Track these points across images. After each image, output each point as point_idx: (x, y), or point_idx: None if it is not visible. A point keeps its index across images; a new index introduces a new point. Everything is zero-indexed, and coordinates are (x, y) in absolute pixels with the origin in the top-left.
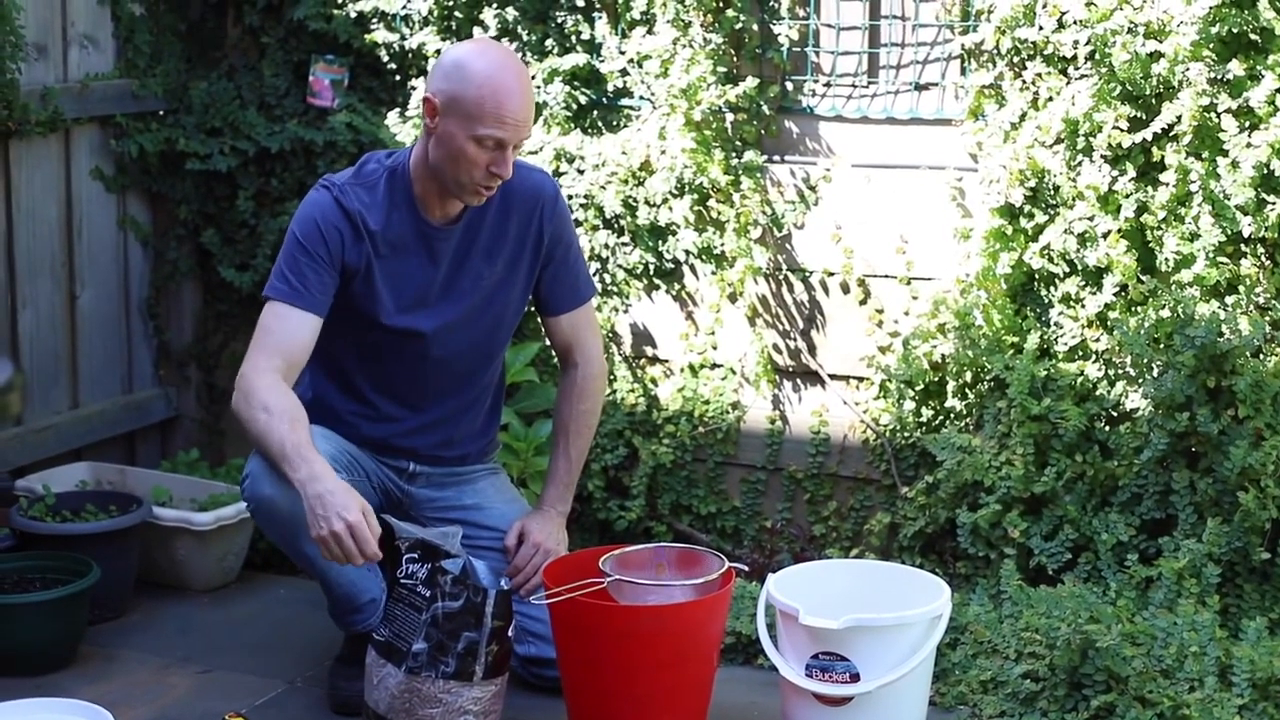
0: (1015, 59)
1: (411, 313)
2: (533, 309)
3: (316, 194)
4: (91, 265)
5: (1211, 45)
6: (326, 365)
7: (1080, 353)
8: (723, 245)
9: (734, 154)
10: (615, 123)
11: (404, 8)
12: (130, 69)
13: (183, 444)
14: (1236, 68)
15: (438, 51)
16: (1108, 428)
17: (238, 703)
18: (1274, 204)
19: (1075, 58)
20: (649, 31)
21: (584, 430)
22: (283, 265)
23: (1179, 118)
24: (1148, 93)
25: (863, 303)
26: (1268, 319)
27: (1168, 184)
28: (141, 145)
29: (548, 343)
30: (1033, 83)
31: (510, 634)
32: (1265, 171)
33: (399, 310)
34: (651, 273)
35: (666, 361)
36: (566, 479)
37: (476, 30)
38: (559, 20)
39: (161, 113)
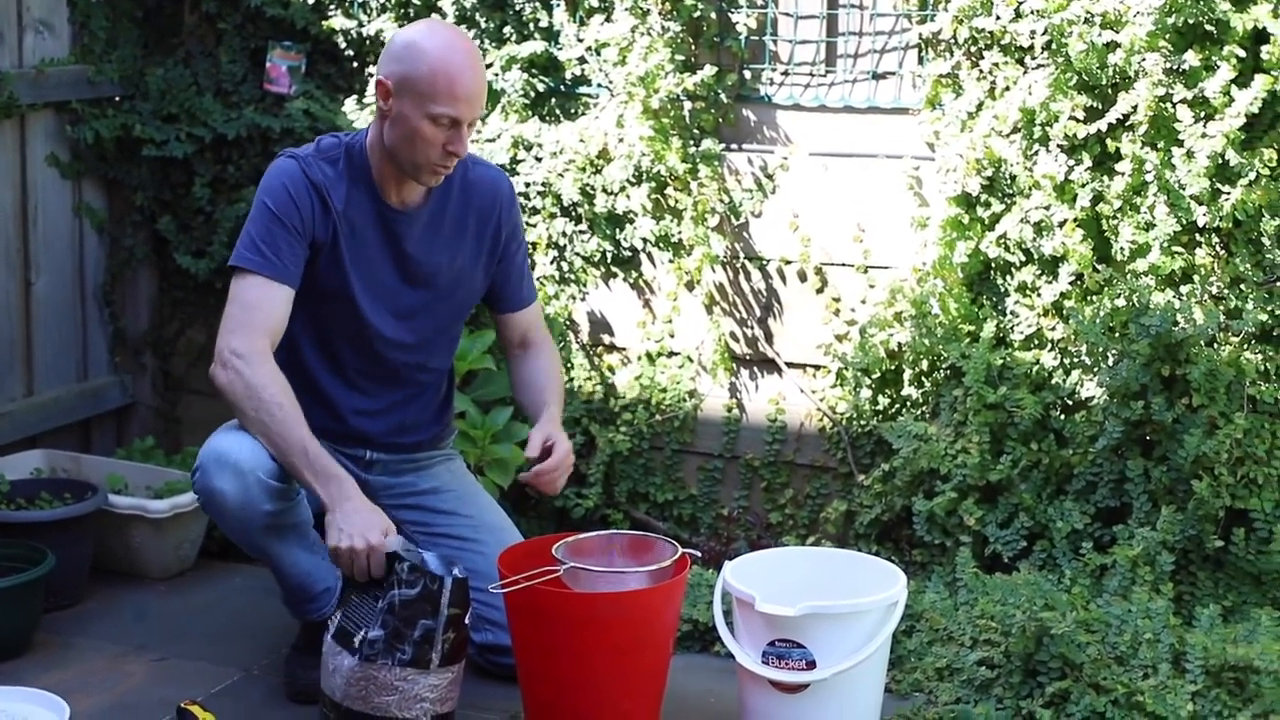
0: (973, 48)
1: (371, 295)
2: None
3: (284, 163)
4: (47, 252)
5: (1167, 36)
6: (282, 349)
7: (1036, 341)
8: (680, 233)
9: (692, 142)
10: (573, 110)
11: None
12: (86, 55)
13: (138, 431)
14: (1192, 58)
15: None
16: (1063, 416)
17: (194, 690)
18: (1228, 194)
19: (1032, 47)
20: (607, 19)
21: (557, 379)
22: (254, 234)
23: (1135, 108)
24: (1104, 83)
25: (820, 291)
26: (1222, 308)
27: (1123, 174)
28: (97, 131)
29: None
30: (990, 72)
31: (467, 621)
32: (1220, 162)
33: (362, 292)
34: (609, 261)
35: (624, 349)
36: (559, 407)
37: (434, 16)
38: (517, 7)
39: (117, 99)
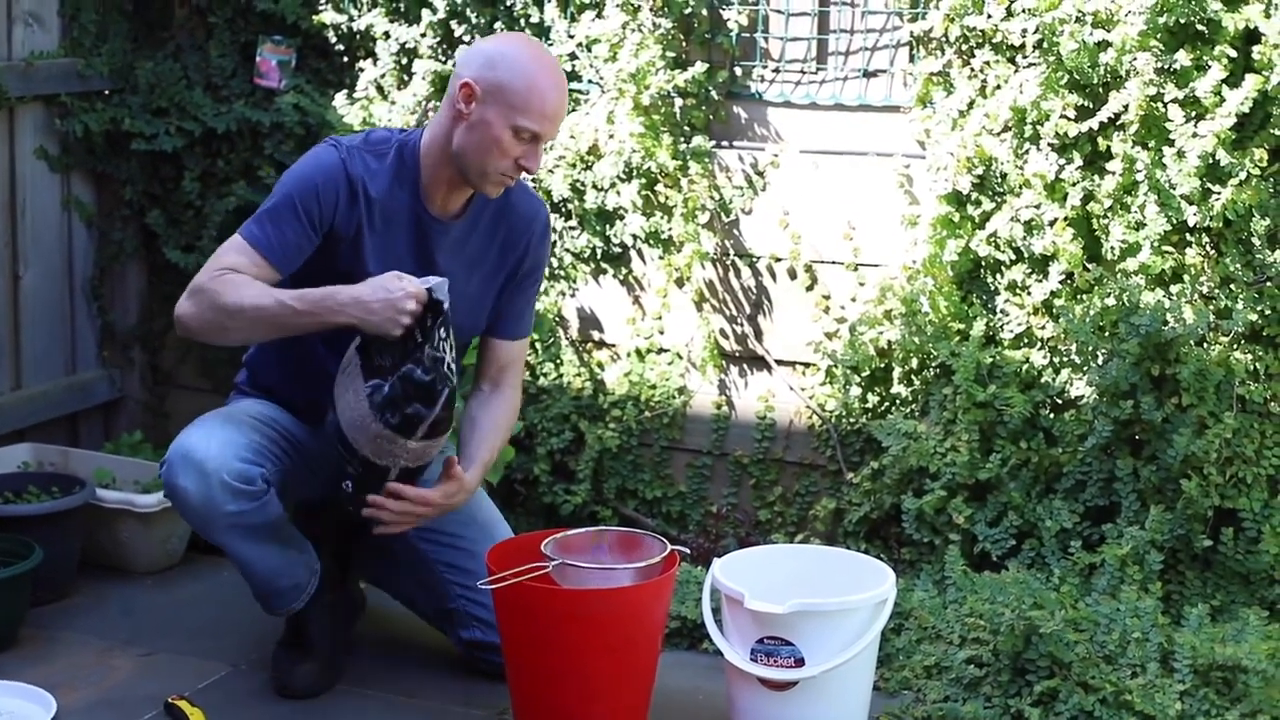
0: (964, 47)
1: None
2: None
3: (323, 151)
4: (35, 245)
5: (1159, 35)
6: (292, 352)
7: (1026, 340)
8: (670, 230)
9: (682, 139)
10: None
11: None
12: (76, 48)
13: (126, 426)
14: (1183, 58)
15: (386, 34)
16: (1052, 415)
17: (182, 685)
18: (1219, 194)
19: (1023, 46)
20: (598, 15)
21: (504, 434)
22: (267, 213)
23: (1126, 107)
24: (1095, 82)
25: (810, 288)
26: (1212, 308)
27: (1114, 173)
28: (86, 125)
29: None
30: (981, 71)
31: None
32: (1210, 161)
33: None
34: (599, 257)
35: (613, 346)
36: (485, 461)
37: (425, 12)
38: (508, 3)
39: (107, 92)
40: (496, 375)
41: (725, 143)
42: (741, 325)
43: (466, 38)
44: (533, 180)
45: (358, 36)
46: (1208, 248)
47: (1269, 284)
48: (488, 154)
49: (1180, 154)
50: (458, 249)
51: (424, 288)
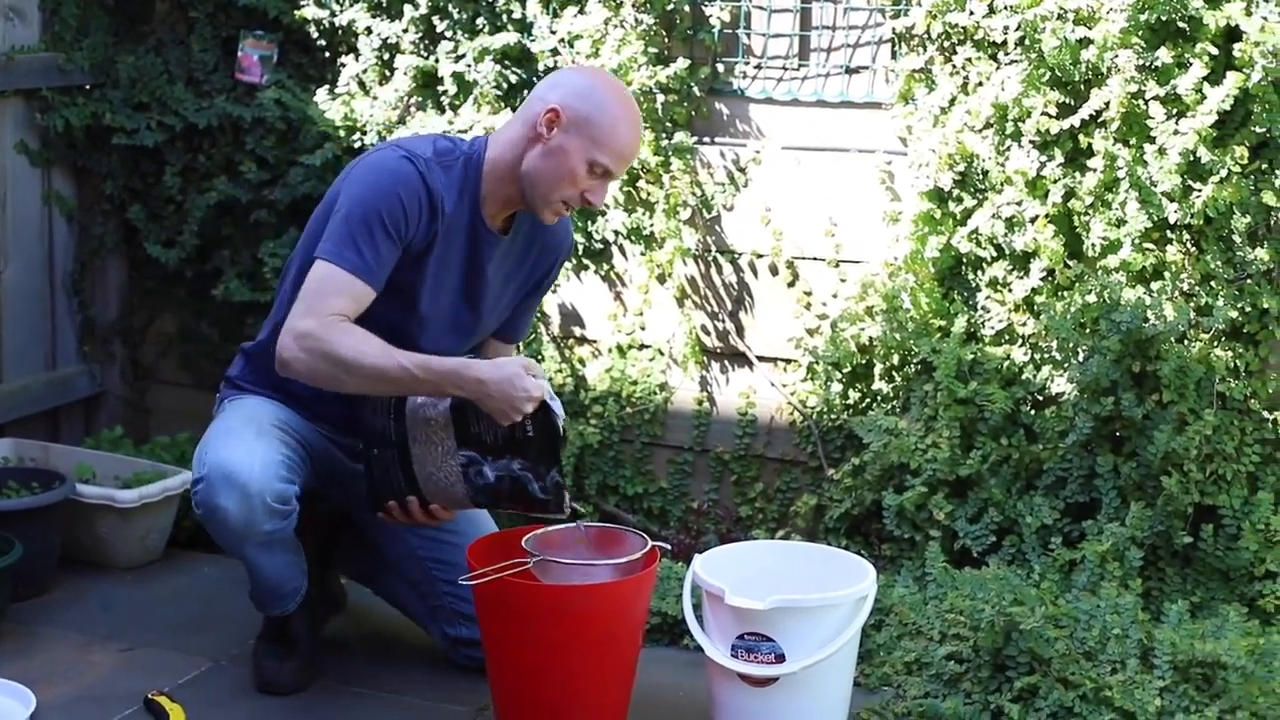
0: (946, 43)
1: (434, 303)
2: None
3: (399, 164)
4: (15, 240)
5: (1140, 33)
6: None
7: (1007, 337)
8: (652, 226)
9: (664, 135)
10: None
11: None
12: (57, 42)
13: (107, 421)
14: (1165, 55)
15: (368, 29)
16: (1033, 411)
17: (162, 681)
18: (1200, 191)
19: (1005, 43)
20: (580, 11)
21: None
22: (352, 231)
23: (1107, 104)
24: (1077, 79)
25: (791, 285)
26: (1192, 305)
27: (1095, 170)
28: (67, 119)
29: None
30: (963, 67)
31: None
32: (1191, 159)
33: (429, 300)
34: (580, 253)
35: (594, 342)
36: None
37: (408, 8)
38: None
39: (88, 87)
40: None
41: (707, 139)
42: (723, 321)
43: (448, 33)
44: None
45: (340, 31)
46: (1188, 245)
47: (1249, 281)
48: (559, 182)
49: (1161, 151)
50: (501, 262)
51: (544, 396)
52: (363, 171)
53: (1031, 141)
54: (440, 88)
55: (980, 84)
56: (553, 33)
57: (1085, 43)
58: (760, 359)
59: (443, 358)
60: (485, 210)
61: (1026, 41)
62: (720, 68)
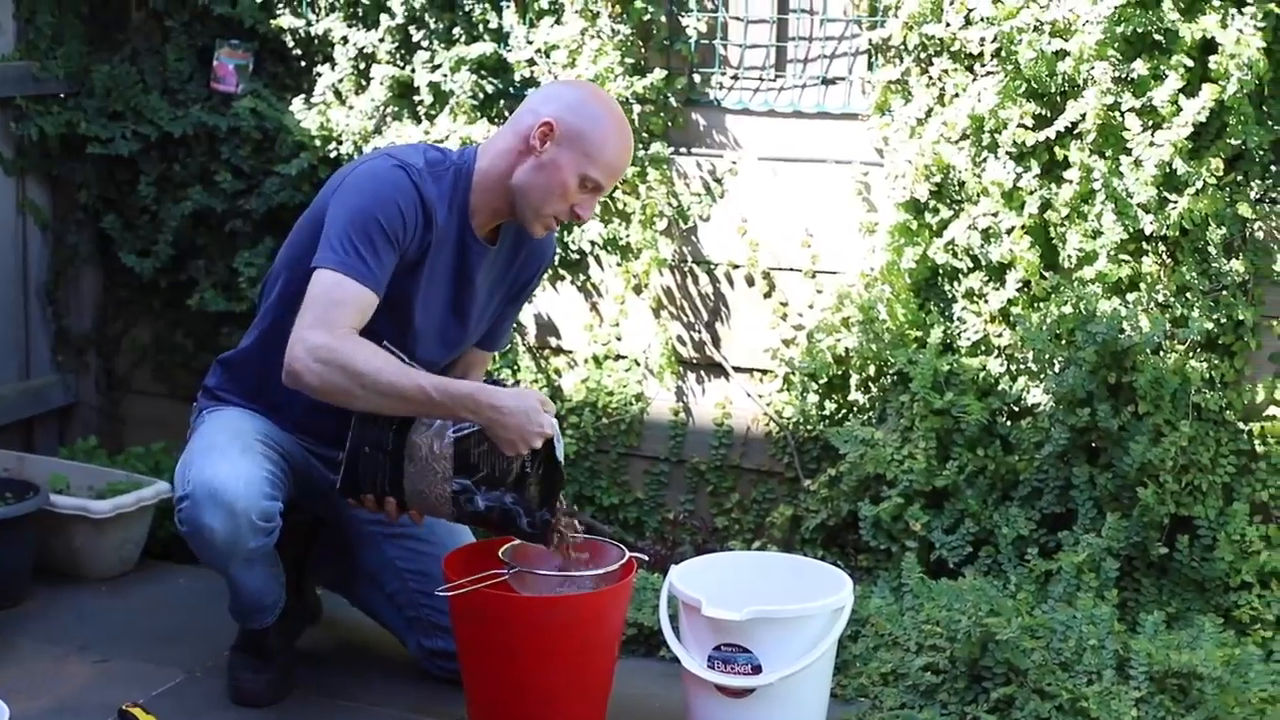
0: (922, 55)
1: (426, 316)
2: None
3: (394, 173)
4: None
5: (1116, 45)
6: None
7: (983, 348)
8: (628, 236)
9: (640, 145)
10: None
11: None
12: (31, 51)
13: (81, 431)
14: (1140, 67)
15: (344, 38)
16: (1009, 422)
17: (136, 692)
18: (1175, 203)
19: (982, 55)
20: (557, 21)
21: None
22: (354, 239)
23: (1083, 116)
24: (1053, 90)
25: (767, 295)
26: (1168, 316)
27: (1071, 181)
28: (42, 128)
29: None
30: (939, 79)
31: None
32: (1167, 170)
33: (421, 310)
34: (557, 263)
35: (570, 352)
36: None
37: (384, 17)
38: (466, 8)
39: (63, 95)
40: (461, 374)
41: (683, 149)
42: (699, 332)
43: (425, 43)
44: None
45: (315, 41)
46: (1164, 256)
47: (1225, 292)
48: (549, 195)
49: (1137, 163)
50: (489, 272)
51: (553, 434)
52: (358, 180)
53: (1008, 153)
54: (416, 98)
55: (957, 95)
56: (529, 43)
57: (1061, 55)
58: (736, 370)
59: (459, 380)
60: (474, 221)
61: (1003, 53)
62: (697, 78)
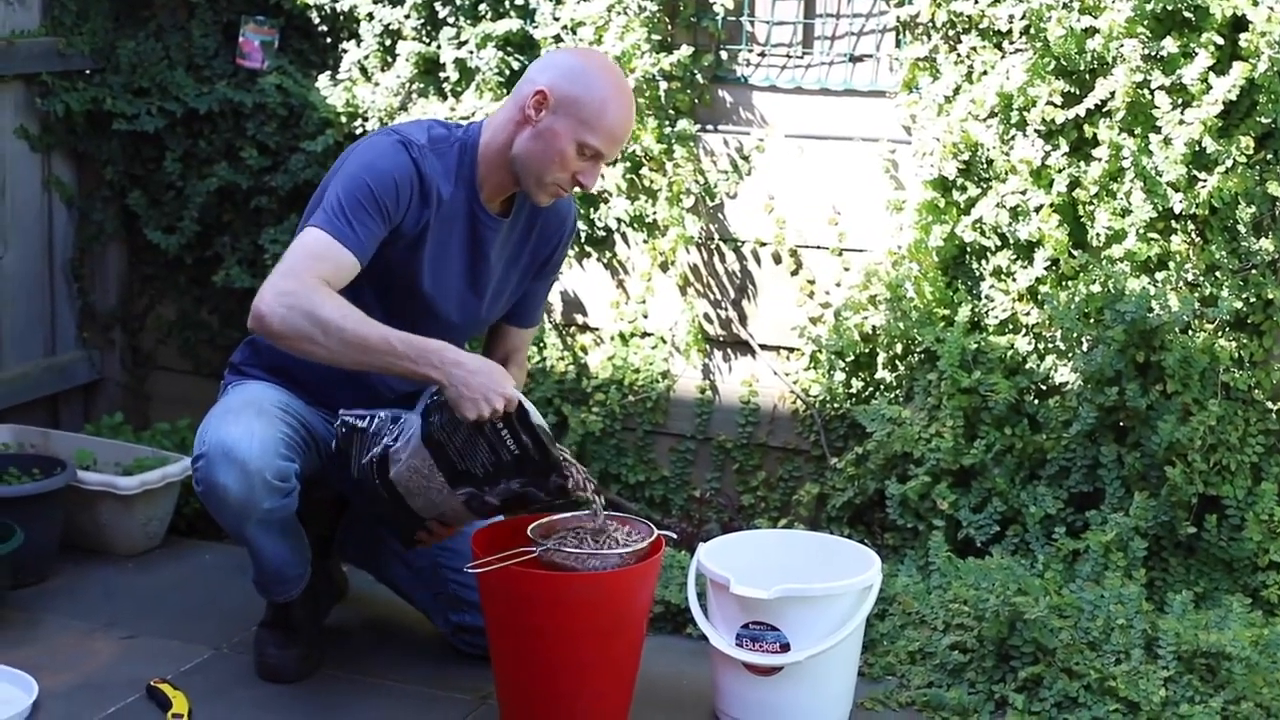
0: (950, 32)
1: (438, 289)
2: None
3: (393, 148)
4: (15, 225)
5: (1146, 22)
6: None
7: (1011, 326)
8: (655, 214)
9: (667, 122)
10: None
11: None
12: (57, 27)
13: (106, 407)
14: (1170, 45)
15: (370, 14)
16: (1037, 401)
17: (163, 669)
18: (1205, 181)
19: (1010, 32)
20: None
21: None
22: (343, 204)
23: (1112, 94)
24: (1082, 68)
25: (794, 273)
26: (1197, 295)
27: (1100, 159)
28: (67, 104)
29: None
30: (967, 56)
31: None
32: (1197, 149)
33: (431, 284)
34: (583, 240)
35: (597, 330)
36: None
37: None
38: None
39: (88, 72)
40: (504, 356)
41: (710, 126)
42: (726, 310)
43: (450, 19)
44: None
45: (341, 17)
46: (1193, 235)
47: (1254, 271)
48: (548, 164)
49: (1166, 141)
50: (504, 245)
51: (520, 400)
52: (358, 153)
53: (1036, 131)
54: (442, 74)
55: (985, 73)
56: (556, 19)
57: (1090, 32)
58: (763, 347)
59: (425, 337)
60: (483, 194)
61: (1031, 30)
62: (724, 55)
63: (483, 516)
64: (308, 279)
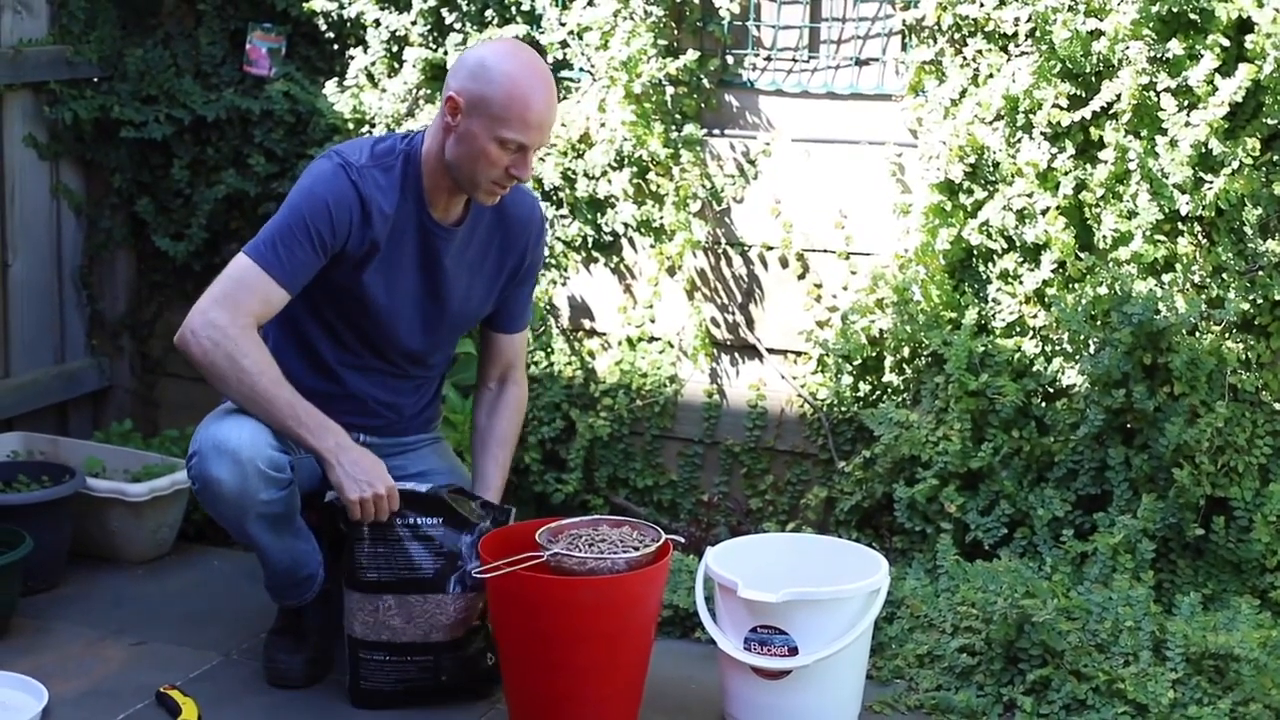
0: (956, 35)
1: (396, 304)
2: None
3: (333, 173)
4: (24, 233)
5: (1151, 24)
6: (295, 339)
7: (1018, 329)
8: (662, 218)
9: (674, 127)
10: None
11: None
12: (65, 35)
13: (115, 414)
14: (1176, 47)
15: (376, 21)
16: (1044, 404)
17: (173, 675)
18: (1211, 183)
19: (1016, 35)
20: (589, 3)
21: (514, 445)
22: (276, 233)
23: (1118, 96)
24: (1088, 71)
25: (801, 277)
26: (1204, 297)
27: (1106, 162)
28: (75, 112)
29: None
30: (973, 59)
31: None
32: (1203, 150)
33: (386, 298)
34: (590, 245)
35: (604, 334)
36: (499, 487)
37: (416, 1)
38: None
39: (96, 80)
40: (503, 372)
41: (717, 131)
42: (733, 314)
43: (457, 25)
44: None
45: (348, 24)
46: (1200, 237)
47: (1261, 273)
48: (476, 165)
49: (1173, 143)
50: (460, 254)
51: (397, 491)
52: (301, 179)
53: (1042, 133)
54: None
55: (991, 76)
56: (562, 24)
57: (1096, 34)
58: (770, 351)
59: (322, 418)
60: (433, 203)
61: (1037, 33)
62: (730, 59)
63: (467, 585)
64: (240, 318)
